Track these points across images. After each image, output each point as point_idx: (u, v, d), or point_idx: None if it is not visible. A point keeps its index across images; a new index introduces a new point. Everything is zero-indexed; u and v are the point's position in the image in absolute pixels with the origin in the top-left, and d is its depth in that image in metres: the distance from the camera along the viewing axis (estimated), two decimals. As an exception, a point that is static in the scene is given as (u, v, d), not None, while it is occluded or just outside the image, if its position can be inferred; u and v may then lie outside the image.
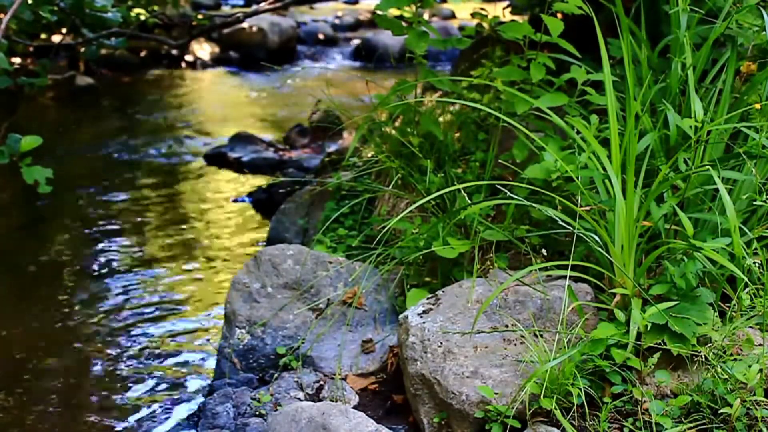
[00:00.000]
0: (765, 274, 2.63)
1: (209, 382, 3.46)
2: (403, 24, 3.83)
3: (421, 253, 3.27)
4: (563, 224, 2.85)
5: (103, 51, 9.33)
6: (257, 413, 3.01)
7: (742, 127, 3.02)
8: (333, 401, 2.98)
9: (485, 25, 4.39)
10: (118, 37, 5.71)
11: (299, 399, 3.04)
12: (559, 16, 3.52)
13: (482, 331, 2.80)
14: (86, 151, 7.03)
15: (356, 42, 11.38)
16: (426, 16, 10.04)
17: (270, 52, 10.52)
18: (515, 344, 2.76)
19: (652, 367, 2.56)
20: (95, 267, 4.80)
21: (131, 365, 3.77)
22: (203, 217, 5.60)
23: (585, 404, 2.49)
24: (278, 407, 2.98)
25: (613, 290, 2.74)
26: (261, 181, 6.24)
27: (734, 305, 2.65)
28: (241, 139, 6.93)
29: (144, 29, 8.38)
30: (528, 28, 3.48)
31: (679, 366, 2.61)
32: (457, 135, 4.05)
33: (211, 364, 3.68)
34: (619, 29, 2.99)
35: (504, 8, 5.01)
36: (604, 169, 2.90)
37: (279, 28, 10.89)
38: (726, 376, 2.47)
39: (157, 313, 4.26)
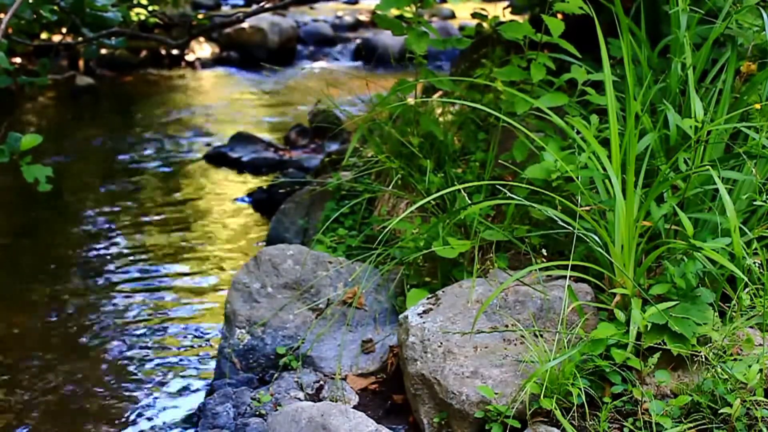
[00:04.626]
0: (765, 274, 2.63)
1: (209, 382, 3.46)
2: (403, 24, 3.83)
3: (421, 253, 3.27)
4: (563, 224, 2.85)
5: (103, 51, 9.34)
6: (257, 413, 3.01)
7: (742, 127, 3.02)
8: (333, 401, 2.98)
9: (485, 25, 4.39)
10: (118, 37, 5.71)
11: (299, 399, 3.04)
12: (560, 16, 3.52)
13: (482, 331, 2.81)
14: (86, 151, 7.03)
15: (356, 42, 11.38)
16: (426, 17, 10.04)
17: (270, 52, 10.52)
18: (515, 344, 2.76)
19: (652, 367, 2.56)
20: (95, 267, 4.80)
21: (131, 365, 3.77)
22: (203, 217, 5.60)
23: (585, 404, 2.49)
24: (278, 407, 2.98)
25: (613, 290, 2.74)
26: (261, 181, 6.24)
27: (734, 305, 2.65)
28: (241, 139, 6.93)
29: (144, 29, 8.37)
30: (528, 28, 3.48)
31: (679, 366, 2.61)
32: (457, 135, 4.05)
33: (211, 364, 3.68)
34: (619, 29, 2.99)
35: (504, 8, 5.01)
36: (604, 169, 2.90)
37: (279, 28, 10.88)
38: (726, 376, 2.47)
39: (157, 312, 4.26)
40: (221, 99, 9.06)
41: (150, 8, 7.52)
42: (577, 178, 2.96)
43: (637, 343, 2.60)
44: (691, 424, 2.45)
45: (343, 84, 7.75)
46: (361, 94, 4.35)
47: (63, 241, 5.17)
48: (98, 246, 5.09)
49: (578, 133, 3.06)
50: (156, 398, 3.49)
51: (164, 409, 3.41)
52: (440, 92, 4.53)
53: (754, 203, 2.84)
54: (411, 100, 3.93)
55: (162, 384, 3.61)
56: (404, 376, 2.89)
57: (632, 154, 2.80)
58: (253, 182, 6.26)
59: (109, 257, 4.92)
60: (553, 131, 3.41)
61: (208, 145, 7.15)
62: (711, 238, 2.77)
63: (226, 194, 6.04)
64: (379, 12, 3.85)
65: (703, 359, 2.55)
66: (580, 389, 2.49)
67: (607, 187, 2.98)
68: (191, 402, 3.44)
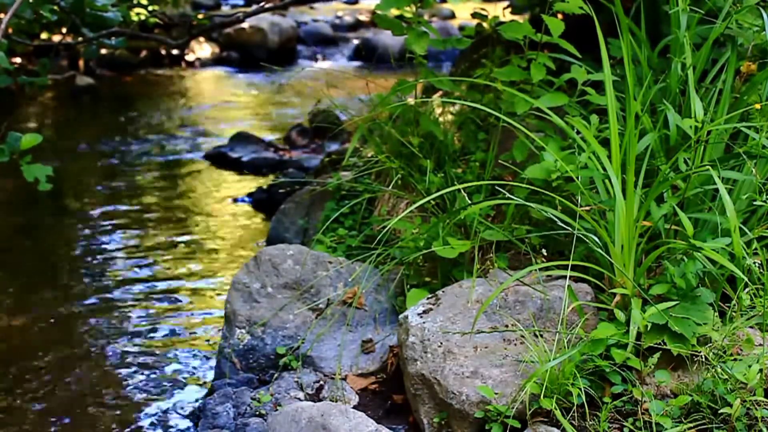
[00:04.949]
0: (765, 274, 2.63)
1: (209, 382, 3.46)
2: (403, 24, 3.83)
3: (421, 253, 3.27)
4: (563, 224, 2.85)
5: (103, 51, 9.34)
6: (257, 413, 3.01)
7: (742, 127, 3.02)
8: (333, 401, 2.99)
9: (485, 25, 4.39)
10: (118, 37, 5.71)
11: (299, 399, 3.04)
12: (560, 16, 3.52)
13: (482, 331, 2.81)
14: (86, 151, 7.03)
15: (356, 42, 11.38)
16: (426, 16, 10.03)
17: (270, 52, 10.52)
18: (515, 344, 2.76)
19: (652, 367, 2.56)
20: (95, 267, 4.80)
21: (131, 365, 3.77)
22: (203, 217, 5.60)
23: (585, 404, 2.49)
24: (278, 407, 2.98)
25: (613, 290, 2.74)
26: (261, 181, 6.24)
27: (734, 305, 2.65)
28: (241, 139, 6.93)
29: (144, 29, 8.37)
30: (528, 28, 3.48)
31: (679, 366, 2.61)
32: (457, 135, 4.05)
33: (211, 364, 3.68)
34: (619, 29, 2.99)
35: (504, 8, 5.01)
36: (604, 169, 2.90)
37: (279, 28, 10.89)
38: (726, 376, 2.47)
39: (157, 312, 4.26)
40: (221, 99, 9.06)
41: (150, 8, 7.52)
42: (577, 178, 2.96)
43: (637, 343, 2.60)
44: (691, 424, 2.45)
45: (343, 84, 7.76)
46: (361, 94, 4.35)
47: (63, 241, 5.18)
48: (98, 246, 5.09)
49: (578, 133, 3.05)
50: (156, 398, 3.49)
51: (164, 409, 3.41)
52: (440, 92, 4.54)
53: (754, 203, 2.84)
54: (411, 100, 3.93)
55: (162, 384, 3.61)
56: (404, 376, 2.89)
57: (632, 154, 2.79)
58: (253, 182, 6.26)
59: (108, 257, 4.92)
60: (553, 131, 3.41)
61: (208, 145, 7.15)
62: (711, 238, 2.77)
63: (226, 194, 6.04)
64: (379, 12, 3.85)
65: (703, 359, 2.55)
66: (580, 389, 2.49)
67: (607, 187, 2.98)
68: (191, 402, 3.44)
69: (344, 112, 4.46)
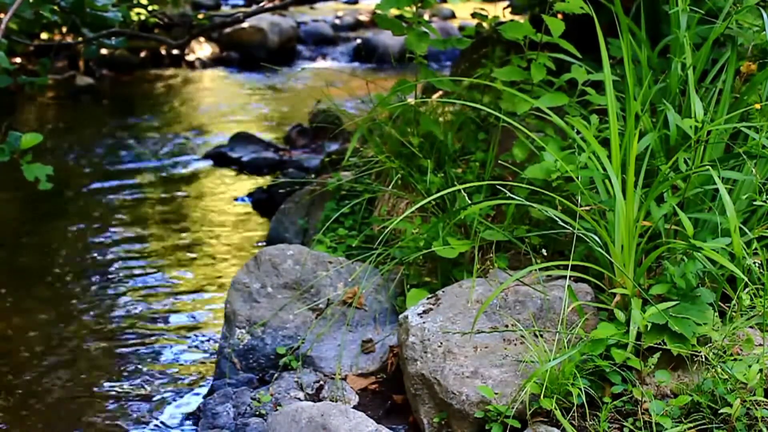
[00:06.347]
0: (765, 274, 2.63)
1: (209, 382, 3.46)
2: (403, 24, 3.83)
3: (421, 253, 3.27)
4: (563, 224, 2.85)
5: (103, 51, 9.33)
6: (257, 413, 3.01)
7: (742, 127, 3.02)
8: (333, 401, 2.99)
9: (485, 25, 4.39)
10: (118, 37, 5.71)
11: (299, 399, 3.04)
12: (560, 16, 3.52)
13: (482, 331, 2.81)
14: (86, 151, 7.03)
15: (356, 42, 11.38)
16: (426, 16, 10.04)
17: (270, 52, 10.52)
18: (515, 344, 2.76)
19: (652, 367, 2.56)
20: (95, 267, 4.80)
21: (131, 365, 3.77)
22: (203, 217, 5.60)
23: (585, 404, 2.49)
24: (278, 407, 2.98)
25: (613, 290, 2.74)
26: (261, 181, 6.24)
27: (734, 305, 2.65)
28: (241, 139, 6.93)
29: (144, 29, 8.37)
30: (528, 28, 3.48)
31: (679, 366, 2.61)
32: (457, 135, 4.05)
33: (211, 364, 3.68)
34: (619, 29, 2.99)
35: (504, 8, 5.01)
36: (604, 169, 2.90)
37: (279, 28, 10.88)
38: (726, 376, 2.47)
39: (157, 312, 4.26)
40: (221, 99, 9.06)
41: (150, 8, 7.52)
42: (577, 178, 2.96)
43: (637, 343, 2.60)
44: (691, 424, 2.45)
45: (343, 84, 7.76)
46: (361, 94, 4.35)
47: (62, 240, 5.17)
48: (98, 246, 5.09)
49: (578, 133, 3.05)
50: (156, 398, 3.49)
51: (164, 409, 3.42)
52: (440, 92, 4.53)
53: (754, 203, 2.84)
54: (411, 100, 3.93)
55: (162, 384, 3.61)
56: (404, 376, 2.89)
57: (632, 154, 2.79)
58: (253, 182, 6.26)
59: (108, 257, 4.92)
60: (553, 131, 3.41)
61: (208, 145, 7.15)
62: (711, 238, 2.77)
63: (226, 194, 6.04)
64: (379, 12, 3.85)
65: (703, 359, 2.55)
66: (580, 389, 2.49)
67: (607, 187, 2.97)
68: (191, 402, 3.44)
69: (344, 113, 4.46)
